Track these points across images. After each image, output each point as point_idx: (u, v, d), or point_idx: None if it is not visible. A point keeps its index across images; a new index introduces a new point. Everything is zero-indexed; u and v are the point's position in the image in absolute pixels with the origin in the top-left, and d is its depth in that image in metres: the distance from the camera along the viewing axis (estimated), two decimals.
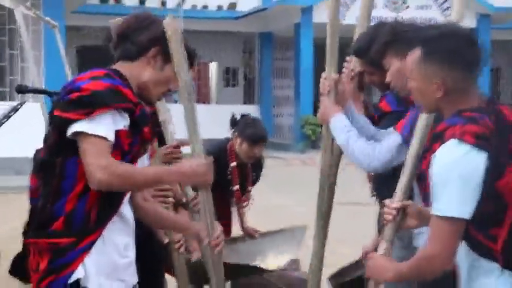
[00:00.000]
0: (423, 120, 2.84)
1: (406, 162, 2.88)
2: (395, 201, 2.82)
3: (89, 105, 2.59)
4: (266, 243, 5.00)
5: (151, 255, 4.05)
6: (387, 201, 2.85)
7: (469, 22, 20.98)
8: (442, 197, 2.36)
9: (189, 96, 2.89)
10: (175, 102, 21.51)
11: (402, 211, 2.80)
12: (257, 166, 5.10)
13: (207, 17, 22.30)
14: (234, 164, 4.89)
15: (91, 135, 2.57)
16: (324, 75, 3.48)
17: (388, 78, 3.20)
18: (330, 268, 4.12)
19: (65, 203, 2.63)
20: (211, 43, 23.60)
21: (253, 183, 5.08)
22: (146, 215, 3.02)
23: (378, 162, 3.16)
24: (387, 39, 3.20)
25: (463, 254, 2.47)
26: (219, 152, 4.81)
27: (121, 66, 2.81)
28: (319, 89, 3.53)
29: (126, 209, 2.83)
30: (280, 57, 23.48)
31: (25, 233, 2.75)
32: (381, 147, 3.15)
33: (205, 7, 22.46)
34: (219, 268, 3.16)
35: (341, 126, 3.30)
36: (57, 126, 2.66)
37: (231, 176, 4.91)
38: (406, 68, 2.98)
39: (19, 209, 2.97)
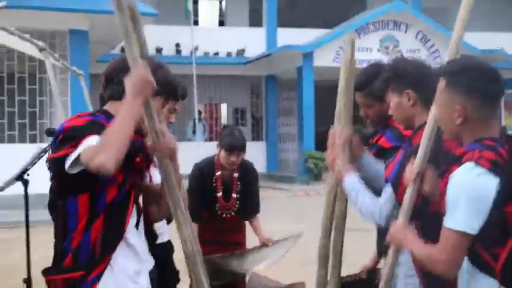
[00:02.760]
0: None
1: (423, 136, 2.85)
2: (416, 166, 2.81)
3: (74, 138, 2.55)
4: (269, 250, 5.11)
5: (166, 282, 4.08)
6: (409, 165, 2.83)
7: None
8: (453, 212, 2.38)
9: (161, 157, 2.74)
10: (189, 140, 21.56)
11: (421, 176, 2.79)
12: (247, 177, 5.06)
13: (218, 63, 22.44)
14: (218, 173, 4.94)
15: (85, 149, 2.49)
16: (332, 129, 3.43)
17: (390, 112, 3.20)
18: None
19: (71, 240, 2.62)
20: (222, 86, 23.73)
21: (240, 193, 5.00)
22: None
23: (382, 220, 3.12)
24: (388, 76, 3.19)
25: (465, 268, 2.46)
26: (206, 164, 4.97)
27: (110, 106, 2.77)
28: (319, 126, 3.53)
29: (133, 238, 2.77)
30: (285, 98, 23.54)
31: (45, 270, 2.74)
32: (381, 206, 3.10)
33: (216, 54, 22.59)
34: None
35: (351, 187, 3.24)
36: (54, 168, 2.64)
37: (216, 183, 4.94)
38: (405, 102, 3.02)
39: (47, 240, 2.97)
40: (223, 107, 25.14)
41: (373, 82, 3.35)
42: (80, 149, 2.52)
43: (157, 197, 2.91)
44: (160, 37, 21.27)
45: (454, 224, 2.36)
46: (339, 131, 3.39)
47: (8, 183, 4.26)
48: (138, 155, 2.76)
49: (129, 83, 2.55)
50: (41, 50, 6.50)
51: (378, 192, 3.17)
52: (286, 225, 11.31)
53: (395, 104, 3.15)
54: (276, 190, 18.80)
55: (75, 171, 2.56)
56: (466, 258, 2.43)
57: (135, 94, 2.53)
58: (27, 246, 4.43)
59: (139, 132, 2.76)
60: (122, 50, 20.87)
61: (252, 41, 22.74)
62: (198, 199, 4.89)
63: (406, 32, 21.00)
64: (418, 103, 3.09)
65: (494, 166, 2.34)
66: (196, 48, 20.43)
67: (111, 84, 2.78)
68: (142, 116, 2.67)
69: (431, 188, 2.75)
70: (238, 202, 5.01)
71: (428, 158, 2.84)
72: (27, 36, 6.14)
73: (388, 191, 3.07)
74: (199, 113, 22.46)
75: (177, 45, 21.93)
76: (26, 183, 4.32)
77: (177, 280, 4.17)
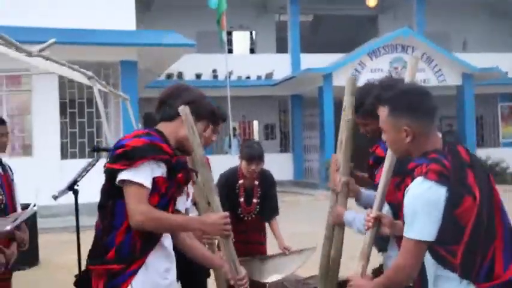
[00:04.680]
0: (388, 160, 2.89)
1: (379, 186, 2.92)
2: (373, 212, 2.87)
3: (131, 157, 2.62)
4: (287, 260, 4.97)
5: (195, 274, 4.08)
6: (367, 211, 2.88)
7: (456, 80, 20.80)
8: (411, 223, 2.38)
9: (203, 166, 2.82)
10: (226, 153, 21.56)
11: (378, 221, 2.84)
12: (266, 184, 5.04)
13: (250, 85, 22.42)
14: (241, 181, 4.94)
15: (133, 182, 2.61)
16: (333, 157, 3.44)
17: (380, 124, 3.14)
18: None
19: (116, 236, 2.66)
20: (253, 105, 23.71)
21: (260, 198, 4.99)
22: (183, 247, 2.98)
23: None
24: (378, 93, 3.11)
25: (430, 265, 2.47)
26: (231, 173, 4.98)
27: (161, 126, 2.83)
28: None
29: (166, 240, 2.82)
30: (308, 114, 23.43)
31: (88, 259, 2.79)
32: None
33: (248, 77, 22.62)
34: None
35: (351, 220, 3.24)
36: (108, 175, 2.71)
37: (239, 190, 4.93)
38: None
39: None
40: (255, 124, 25.14)
41: (365, 101, 3.24)
42: (135, 176, 2.62)
43: None
44: (199, 64, 21.44)
45: (414, 234, 2.38)
46: (338, 178, 3.36)
47: (61, 193, 4.26)
48: (180, 171, 2.81)
49: (204, 222, 2.79)
50: (89, 78, 6.50)
51: None
52: (308, 227, 11.19)
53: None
54: (302, 195, 18.69)
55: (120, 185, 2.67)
56: (430, 256, 2.44)
57: (199, 228, 2.81)
58: (78, 248, 4.44)
59: (184, 152, 2.85)
60: (167, 76, 21.13)
61: (279, 65, 22.69)
62: (223, 204, 4.84)
63: (412, 54, 20.74)
64: None
65: (440, 177, 2.35)
66: (230, 73, 20.47)
67: (165, 107, 2.84)
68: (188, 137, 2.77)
69: (391, 229, 2.81)
70: (258, 206, 5.01)
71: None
72: (76, 66, 6.16)
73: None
74: (234, 129, 22.46)
75: (214, 71, 21.98)
76: (76, 193, 4.32)
77: (207, 273, 4.07)
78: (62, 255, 9.04)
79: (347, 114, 3.40)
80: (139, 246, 2.65)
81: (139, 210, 2.58)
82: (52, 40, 4.66)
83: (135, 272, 2.64)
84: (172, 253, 2.87)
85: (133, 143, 2.67)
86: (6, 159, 4.38)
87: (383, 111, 2.55)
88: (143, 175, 2.62)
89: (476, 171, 2.41)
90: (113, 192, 2.69)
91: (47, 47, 4.67)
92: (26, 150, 14.75)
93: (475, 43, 25.30)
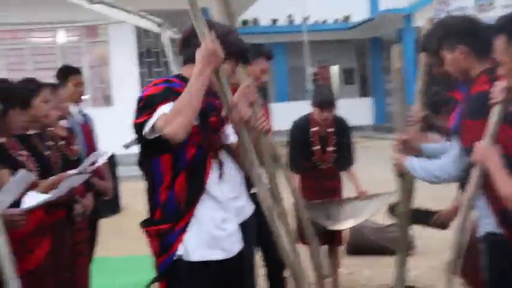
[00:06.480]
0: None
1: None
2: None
3: (150, 106, 2.43)
4: (363, 204, 4.75)
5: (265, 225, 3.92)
6: (498, 84, 2.50)
7: None
8: None
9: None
10: (307, 99, 21.31)
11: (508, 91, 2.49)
12: (341, 131, 4.79)
13: (327, 29, 21.96)
14: (315, 129, 4.71)
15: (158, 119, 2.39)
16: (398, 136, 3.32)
17: (446, 67, 2.89)
18: None
19: (159, 195, 2.53)
20: (331, 50, 23.27)
21: (336, 145, 4.75)
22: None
23: (454, 177, 2.90)
24: (440, 35, 2.87)
25: None
26: (303, 121, 4.76)
27: (186, 69, 2.61)
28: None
29: (215, 190, 2.59)
30: (388, 57, 22.70)
31: (142, 222, 2.66)
32: (448, 166, 2.87)
33: (324, 21, 22.14)
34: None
35: (414, 167, 3.06)
36: (137, 133, 2.53)
37: (313, 138, 4.71)
38: (458, 56, 2.75)
39: None
40: (333, 68, 24.73)
41: (432, 39, 2.96)
42: (155, 117, 2.41)
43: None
44: (275, 9, 21.18)
45: None
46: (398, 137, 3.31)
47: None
48: (212, 115, 2.61)
49: (198, 55, 2.43)
50: (159, 25, 6.39)
51: None
52: (390, 173, 10.90)
53: (450, 59, 2.84)
54: (383, 140, 18.30)
55: (152, 136, 2.45)
56: None
57: (203, 65, 2.41)
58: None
59: (214, 94, 2.61)
60: (243, 23, 20.91)
61: (357, 7, 22.04)
62: (298, 152, 4.75)
63: None
64: (470, 56, 2.77)
65: None
66: (306, 18, 20.06)
67: (187, 48, 2.60)
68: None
69: None
70: (334, 155, 4.78)
71: None
72: (144, 13, 6.05)
73: (454, 146, 2.79)
74: (315, 74, 22.18)
75: (290, 15, 21.62)
76: None
77: None
78: (141, 202, 9.20)
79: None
80: (184, 200, 2.51)
81: (164, 128, 2.33)
82: None
83: (184, 229, 2.52)
84: (230, 204, 2.64)
85: (150, 92, 2.49)
86: (88, 110, 4.34)
87: (500, 42, 2.28)
88: (164, 109, 2.40)
89: None
90: (146, 150, 2.55)
91: None
92: (107, 100, 15.00)
93: None
